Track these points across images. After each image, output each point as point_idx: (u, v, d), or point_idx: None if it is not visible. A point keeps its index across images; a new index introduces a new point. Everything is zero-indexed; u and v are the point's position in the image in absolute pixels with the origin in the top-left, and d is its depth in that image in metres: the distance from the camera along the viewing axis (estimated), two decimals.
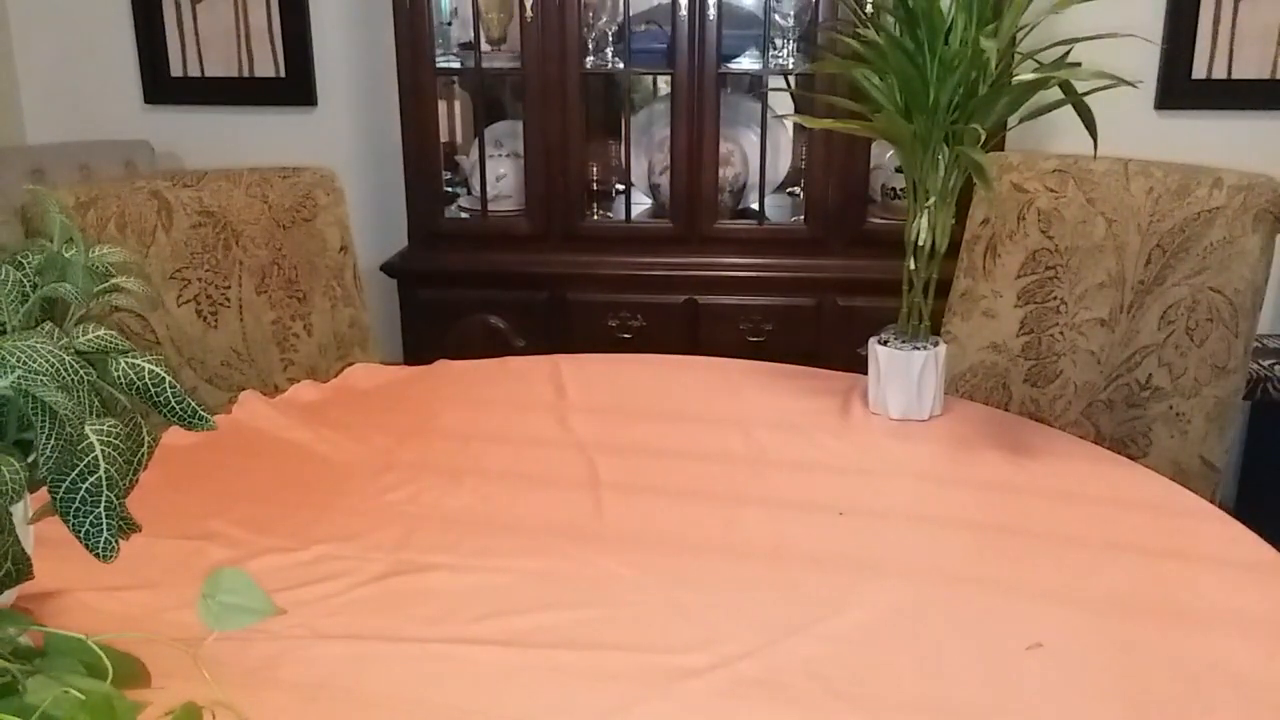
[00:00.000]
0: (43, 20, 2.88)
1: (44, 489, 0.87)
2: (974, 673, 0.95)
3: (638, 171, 2.59)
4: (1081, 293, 1.73)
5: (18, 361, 0.85)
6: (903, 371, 1.50)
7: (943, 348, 1.52)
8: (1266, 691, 0.92)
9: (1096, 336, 1.71)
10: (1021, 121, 1.49)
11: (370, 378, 1.67)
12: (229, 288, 1.85)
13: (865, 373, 1.56)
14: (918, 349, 1.50)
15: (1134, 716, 0.90)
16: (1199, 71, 2.63)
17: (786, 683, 0.94)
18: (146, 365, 0.95)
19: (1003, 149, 2.07)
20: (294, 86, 2.85)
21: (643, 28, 2.55)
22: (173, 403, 0.95)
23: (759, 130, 2.48)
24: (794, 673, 0.95)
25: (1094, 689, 0.93)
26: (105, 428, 0.88)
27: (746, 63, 2.51)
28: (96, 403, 0.90)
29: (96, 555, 0.87)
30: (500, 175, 2.60)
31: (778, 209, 2.62)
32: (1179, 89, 2.65)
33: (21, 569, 0.89)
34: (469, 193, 2.65)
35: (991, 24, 1.39)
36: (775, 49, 2.46)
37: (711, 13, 2.34)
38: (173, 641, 0.81)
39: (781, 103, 2.63)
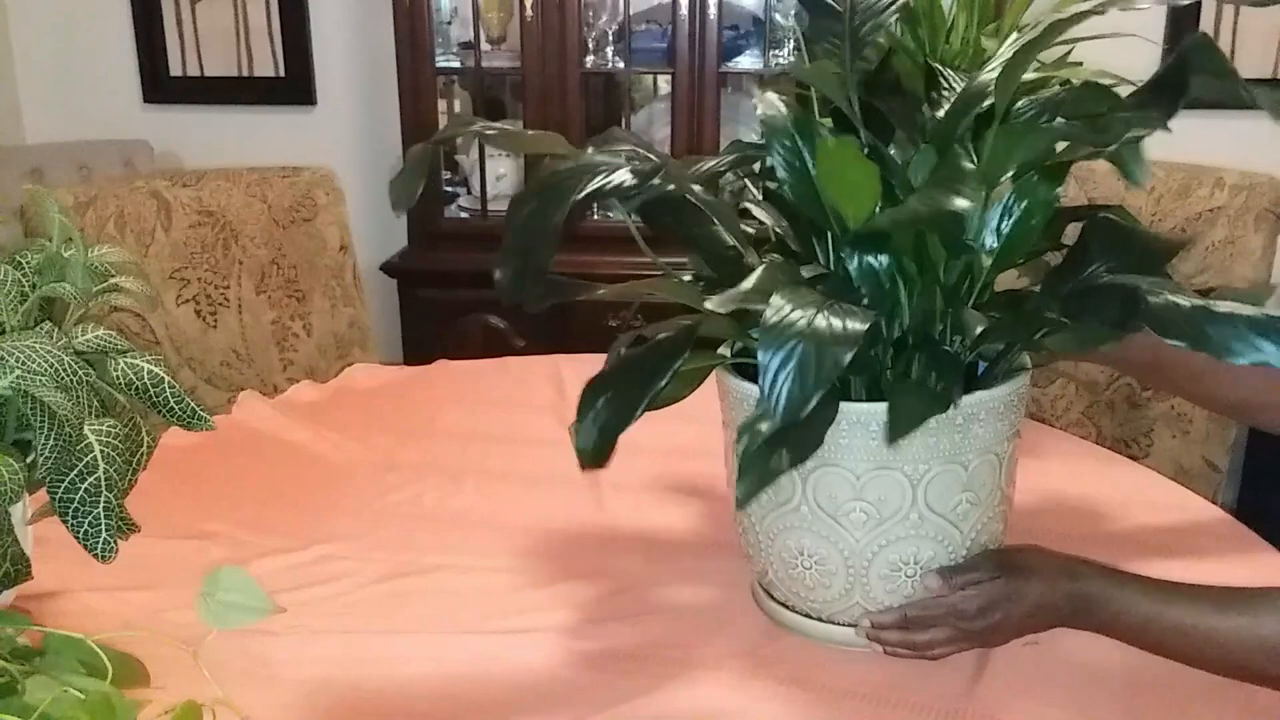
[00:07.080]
0: (43, 20, 2.88)
1: (43, 489, 0.87)
2: (969, 669, 0.95)
3: None
4: None
5: (17, 361, 0.85)
6: None
7: None
8: (1266, 691, 0.92)
9: None
10: None
11: (370, 378, 1.66)
12: (228, 288, 1.85)
13: None
14: None
15: (1132, 715, 0.90)
16: None
17: (789, 678, 0.94)
18: (146, 365, 0.94)
19: None
20: (293, 86, 2.84)
21: (643, 27, 2.54)
22: (172, 403, 0.95)
23: (759, 130, 2.47)
24: (795, 668, 0.95)
25: (1091, 687, 0.93)
26: (104, 428, 0.88)
27: (747, 62, 2.50)
28: (96, 403, 0.90)
29: (95, 555, 0.87)
30: (500, 175, 2.60)
31: None
32: None
33: (21, 569, 0.89)
34: (469, 192, 2.65)
35: (992, 23, 1.39)
36: (776, 49, 2.45)
37: (712, 12, 2.34)
38: (173, 641, 0.80)
39: None
